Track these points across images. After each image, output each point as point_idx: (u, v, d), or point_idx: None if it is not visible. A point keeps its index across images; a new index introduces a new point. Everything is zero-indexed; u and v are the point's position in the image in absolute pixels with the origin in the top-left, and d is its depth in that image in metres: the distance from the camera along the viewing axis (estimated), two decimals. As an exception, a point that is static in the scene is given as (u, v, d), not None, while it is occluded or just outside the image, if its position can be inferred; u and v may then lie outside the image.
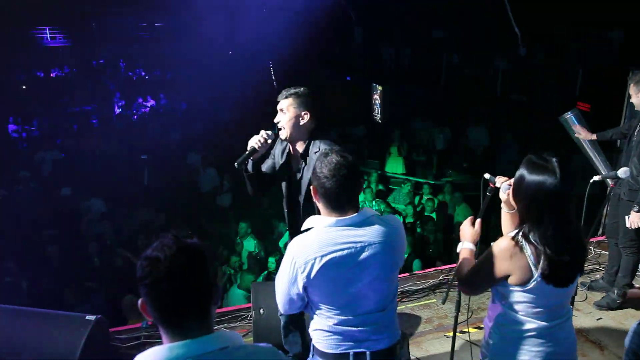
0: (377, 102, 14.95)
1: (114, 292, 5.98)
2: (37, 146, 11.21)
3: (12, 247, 7.09)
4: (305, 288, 2.26)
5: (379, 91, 14.81)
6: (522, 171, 2.22)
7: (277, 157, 3.42)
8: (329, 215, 2.28)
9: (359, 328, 2.32)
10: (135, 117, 14.83)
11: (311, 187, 2.35)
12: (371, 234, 2.27)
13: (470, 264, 2.45)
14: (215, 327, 1.57)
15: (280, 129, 3.19)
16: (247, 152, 3.16)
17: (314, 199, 2.34)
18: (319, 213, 3.02)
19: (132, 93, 17.31)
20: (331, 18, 15.63)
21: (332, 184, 2.22)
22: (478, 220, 2.58)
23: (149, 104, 15.99)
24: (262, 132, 3.19)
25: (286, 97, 3.18)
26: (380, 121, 14.75)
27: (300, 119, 3.16)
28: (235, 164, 3.19)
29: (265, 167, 3.44)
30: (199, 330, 1.43)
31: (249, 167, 3.21)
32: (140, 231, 7.64)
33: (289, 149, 3.32)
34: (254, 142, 3.16)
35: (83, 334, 3.55)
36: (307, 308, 2.41)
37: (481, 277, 2.36)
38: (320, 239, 2.23)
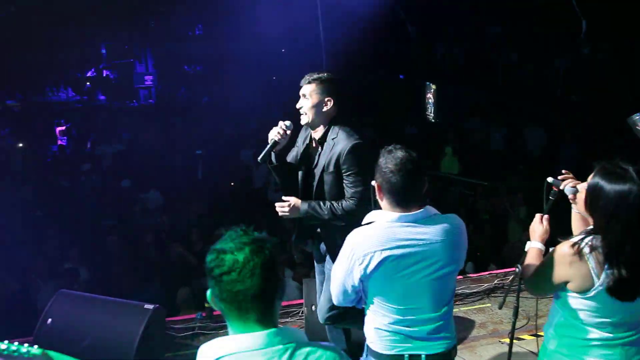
0: (430, 101, 14.72)
1: (168, 283, 6.14)
2: (99, 140, 11.65)
3: (73, 235, 7.43)
4: (361, 281, 2.25)
5: (432, 90, 14.58)
6: (597, 180, 2.08)
7: (299, 145, 3.37)
8: (392, 210, 2.26)
9: (415, 329, 2.28)
10: (191, 113, 15.19)
11: (374, 184, 2.33)
12: (434, 232, 2.23)
13: (536, 265, 2.37)
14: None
15: (301, 115, 3.13)
16: (268, 146, 3.15)
17: (377, 197, 2.32)
18: (322, 198, 3.12)
19: (188, 89, 17.80)
20: (386, 16, 15.51)
21: (397, 179, 2.20)
22: (546, 217, 2.50)
23: (204, 100, 16.39)
24: (281, 123, 3.18)
25: (309, 83, 3.10)
26: (433, 120, 14.52)
27: (324, 105, 3.09)
28: (259, 158, 3.22)
29: (290, 157, 3.39)
30: (263, 323, 1.44)
31: (273, 159, 3.20)
32: (194, 225, 7.82)
33: (311, 135, 3.27)
34: (274, 134, 3.15)
35: (142, 322, 3.67)
36: (361, 303, 2.40)
37: (543, 279, 2.28)
38: (381, 233, 2.21)
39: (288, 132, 3.16)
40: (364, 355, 2.46)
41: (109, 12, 19.84)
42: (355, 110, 14.85)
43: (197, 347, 3.98)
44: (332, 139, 3.08)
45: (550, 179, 2.58)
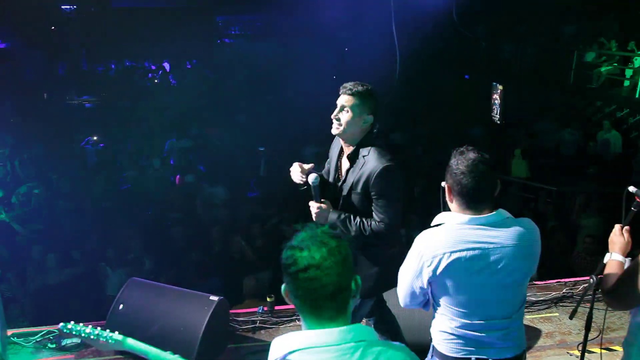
0: (496, 102, 14.25)
1: (230, 276, 6.27)
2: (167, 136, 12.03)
3: (139, 226, 7.75)
4: (429, 283, 2.21)
5: (499, 91, 14.12)
6: None
7: (332, 157, 3.25)
8: (462, 212, 2.21)
9: (483, 333, 2.23)
10: (255, 109, 15.44)
11: (444, 185, 2.30)
12: (506, 236, 2.17)
13: (617, 277, 2.25)
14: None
15: (337, 124, 2.95)
16: (300, 186, 3.15)
17: (447, 199, 2.28)
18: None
19: (252, 87, 18.12)
20: (450, 15, 15.18)
21: (469, 181, 2.15)
22: (626, 229, 2.37)
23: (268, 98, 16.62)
24: (296, 176, 3.15)
25: (352, 95, 2.91)
26: (499, 122, 14.07)
27: (363, 122, 2.93)
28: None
29: (325, 170, 3.33)
30: (336, 321, 1.45)
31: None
32: (255, 221, 7.94)
33: (342, 147, 3.11)
34: (296, 179, 3.17)
35: (207, 312, 3.78)
36: (428, 305, 2.37)
37: (628, 291, 2.16)
38: (451, 235, 2.17)
39: (303, 180, 3.10)
40: (429, 355, 2.43)
41: (174, 10, 20.62)
42: (418, 110, 14.71)
43: (259, 341, 4.08)
44: (364, 156, 2.94)
45: (632, 189, 2.45)
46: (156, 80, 20.13)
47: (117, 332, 1.83)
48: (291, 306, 4.43)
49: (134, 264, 6.60)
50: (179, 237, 7.44)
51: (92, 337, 1.81)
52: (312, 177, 2.98)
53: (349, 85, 2.95)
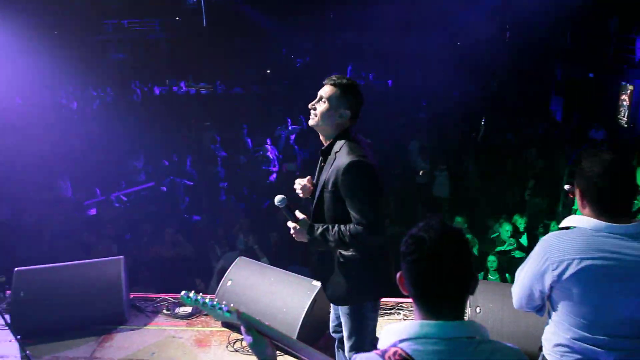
0: (624, 103, 13.16)
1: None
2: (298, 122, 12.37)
3: (246, 209, 8.11)
4: (550, 288, 2.09)
5: (628, 91, 13.01)
6: None
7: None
8: (596, 218, 2.05)
9: (604, 350, 2.05)
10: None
11: (569, 189, 2.15)
12: None
13: None
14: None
15: (313, 114, 2.73)
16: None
17: (578, 203, 2.12)
18: (320, 217, 2.72)
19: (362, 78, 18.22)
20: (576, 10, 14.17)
21: (606, 184, 2.00)
22: None
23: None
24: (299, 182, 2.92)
25: (333, 85, 2.70)
26: (626, 125, 12.97)
27: (339, 116, 2.70)
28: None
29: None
30: (451, 314, 1.43)
31: None
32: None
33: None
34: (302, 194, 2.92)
35: (309, 297, 3.86)
36: (542, 311, 2.24)
37: None
38: (583, 240, 2.02)
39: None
40: None
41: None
42: (533, 110, 13.93)
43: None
44: (336, 152, 2.69)
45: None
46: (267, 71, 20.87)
47: (232, 305, 1.92)
48: (391, 299, 4.46)
49: (240, 244, 6.91)
50: (281, 222, 7.66)
51: (209, 307, 1.91)
52: (277, 198, 2.73)
53: (333, 76, 2.75)
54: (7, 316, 3.94)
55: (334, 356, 3.16)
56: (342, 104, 2.69)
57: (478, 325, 1.46)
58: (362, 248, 2.67)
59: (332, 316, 3.09)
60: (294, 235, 2.80)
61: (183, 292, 2.00)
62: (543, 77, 16.35)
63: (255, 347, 1.83)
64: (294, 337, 3.71)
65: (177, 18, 24.29)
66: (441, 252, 1.40)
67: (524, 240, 6.79)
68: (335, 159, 2.67)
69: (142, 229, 7.37)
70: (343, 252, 2.73)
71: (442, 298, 1.43)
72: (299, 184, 2.91)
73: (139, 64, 20.26)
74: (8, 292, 4.61)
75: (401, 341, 1.43)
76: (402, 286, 1.50)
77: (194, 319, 4.48)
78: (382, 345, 1.49)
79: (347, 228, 2.61)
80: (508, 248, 6.73)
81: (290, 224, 2.77)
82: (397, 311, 4.46)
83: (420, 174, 9.47)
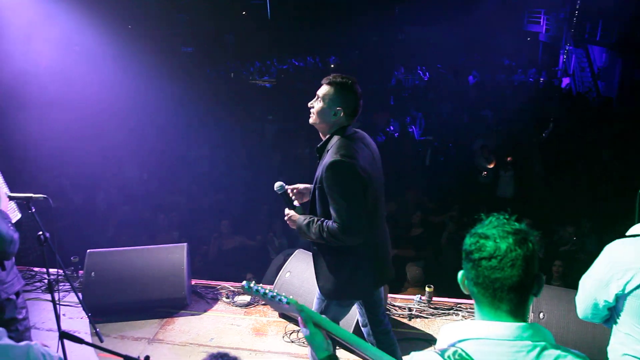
0: None
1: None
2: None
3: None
4: (616, 298, 1.99)
5: None
6: None
7: None
8: None
9: None
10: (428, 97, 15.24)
11: None
12: None
13: None
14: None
15: (311, 113, 2.84)
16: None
17: None
18: (313, 211, 2.78)
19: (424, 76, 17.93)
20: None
21: None
22: None
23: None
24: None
25: (328, 84, 2.78)
26: None
27: (333, 114, 2.76)
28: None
29: None
30: (514, 316, 1.39)
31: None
32: (416, 209, 7.87)
33: None
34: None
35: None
36: (610, 322, 2.14)
37: None
38: None
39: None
40: None
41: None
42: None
43: (412, 328, 4.04)
44: (328, 150, 2.76)
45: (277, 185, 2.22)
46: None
47: (292, 296, 1.95)
48: (450, 299, 4.39)
49: (297, 236, 6.98)
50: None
51: (269, 297, 1.95)
52: (277, 185, 2.91)
53: (331, 75, 2.83)
54: (79, 294, 4.16)
55: (387, 351, 3.08)
56: (337, 102, 2.75)
57: (543, 328, 1.41)
58: (337, 245, 2.72)
59: (358, 310, 3.15)
60: (287, 222, 2.95)
61: (244, 282, 2.05)
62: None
63: (312, 340, 1.85)
64: (350, 331, 3.72)
65: (244, 12, 24.77)
66: (505, 251, 1.36)
67: (590, 244, 6.49)
68: (327, 156, 2.75)
69: (203, 218, 7.59)
70: (333, 250, 2.81)
71: (504, 299, 1.39)
72: (291, 190, 3.01)
73: (207, 57, 20.82)
74: (81, 272, 4.87)
75: (461, 341, 1.41)
76: (464, 285, 1.48)
77: (251, 308, 4.58)
78: (441, 344, 1.47)
79: (327, 224, 2.70)
80: (572, 249, 6.46)
81: (286, 211, 2.93)
82: (456, 312, 4.38)
83: (484, 174, 9.24)
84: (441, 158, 10.29)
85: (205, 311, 4.58)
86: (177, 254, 4.56)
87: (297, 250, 4.53)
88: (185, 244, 4.67)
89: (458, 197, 8.44)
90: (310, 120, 2.87)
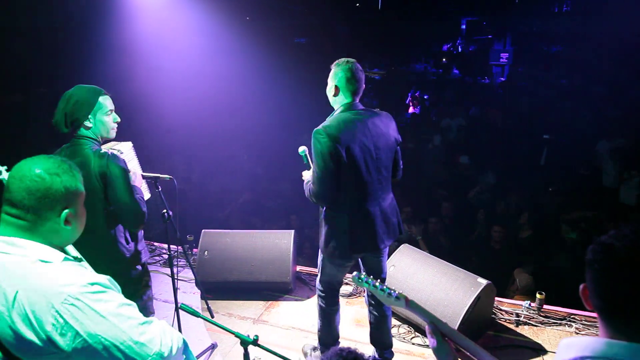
0: None
1: (489, 263, 6.08)
2: (446, 113, 12.09)
3: (410, 195, 8.06)
4: None
5: None
6: None
7: None
8: None
9: None
10: (541, 94, 14.38)
11: None
12: None
13: None
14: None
15: None
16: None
17: None
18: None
19: (543, 69, 16.87)
20: None
21: None
22: None
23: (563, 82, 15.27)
24: None
25: (332, 67, 3.11)
26: None
27: (333, 92, 3.08)
28: None
29: None
30: None
31: None
32: (526, 209, 7.46)
33: None
34: None
35: (473, 294, 3.74)
36: None
37: None
38: None
39: None
40: None
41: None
42: None
43: (520, 335, 3.86)
44: None
45: None
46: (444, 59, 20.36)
47: (400, 291, 1.93)
48: (562, 309, 4.13)
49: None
50: (446, 214, 7.51)
51: (379, 290, 1.95)
52: (300, 149, 3.27)
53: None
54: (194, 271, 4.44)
55: (375, 321, 3.55)
56: (334, 80, 3.07)
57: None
58: (316, 203, 3.10)
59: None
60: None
61: (355, 273, 2.08)
62: None
63: (439, 352, 1.80)
64: (455, 327, 3.63)
65: (357, 4, 24.78)
66: (632, 261, 1.24)
67: None
68: None
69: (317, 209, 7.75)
70: (323, 213, 3.17)
71: (634, 315, 1.26)
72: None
73: (318, 48, 21.15)
74: (195, 250, 5.19)
75: (583, 358, 1.31)
76: (586, 299, 1.36)
77: (353, 299, 4.61)
78: (560, 357, 1.38)
79: (309, 186, 3.10)
80: None
81: (303, 172, 3.32)
82: (569, 322, 4.11)
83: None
84: (558, 157, 9.68)
85: (308, 297, 4.69)
86: (284, 239, 4.70)
87: (402, 245, 4.48)
88: (292, 230, 4.80)
89: (575, 200, 7.91)
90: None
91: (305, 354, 3.85)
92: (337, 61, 3.10)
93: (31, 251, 1.55)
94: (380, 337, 3.57)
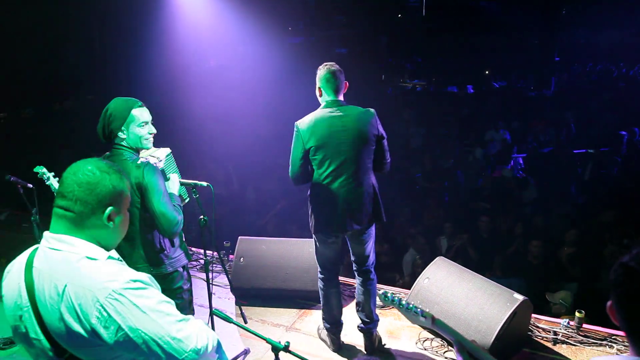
0: None
1: (534, 280, 5.93)
2: (489, 126, 11.87)
3: (447, 209, 7.96)
4: None
5: None
6: None
7: None
8: None
9: None
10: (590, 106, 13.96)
11: None
12: None
13: None
14: None
15: None
16: None
17: None
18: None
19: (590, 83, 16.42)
20: None
21: None
22: None
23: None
24: None
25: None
26: None
27: (317, 92, 3.54)
28: None
29: None
30: None
31: None
32: (571, 227, 7.24)
33: None
34: None
35: (509, 309, 3.66)
36: None
37: None
38: None
39: None
40: None
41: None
42: None
43: (557, 354, 3.78)
44: None
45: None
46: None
47: (427, 310, 1.92)
48: (603, 329, 4.00)
49: (435, 243, 6.83)
50: (483, 228, 7.37)
51: (405, 308, 1.94)
52: None
53: None
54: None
55: (362, 294, 3.86)
56: (317, 84, 3.52)
57: None
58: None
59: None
60: None
61: (382, 291, 2.08)
62: None
63: None
64: (487, 349, 3.56)
65: (399, 15, 24.72)
66: None
67: None
68: None
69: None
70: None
71: None
72: None
73: (358, 58, 21.18)
74: (231, 256, 5.27)
75: None
76: (613, 316, 1.34)
77: (386, 310, 4.59)
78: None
79: None
80: None
81: None
82: (610, 344, 3.96)
83: None
84: (603, 171, 9.37)
85: (341, 307, 4.67)
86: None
87: (437, 258, 4.44)
88: None
89: (622, 216, 7.62)
90: None
91: (319, 336, 4.20)
92: (318, 67, 3.52)
93: (79, 248, 1.65)
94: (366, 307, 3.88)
